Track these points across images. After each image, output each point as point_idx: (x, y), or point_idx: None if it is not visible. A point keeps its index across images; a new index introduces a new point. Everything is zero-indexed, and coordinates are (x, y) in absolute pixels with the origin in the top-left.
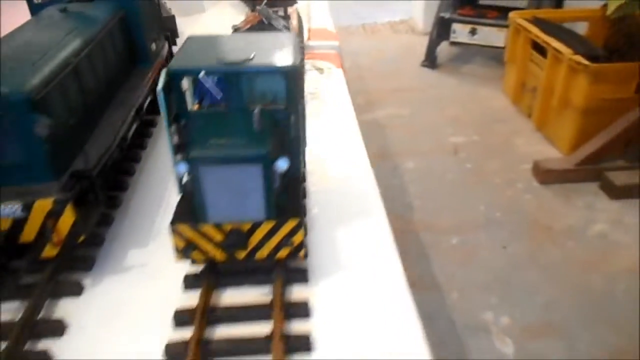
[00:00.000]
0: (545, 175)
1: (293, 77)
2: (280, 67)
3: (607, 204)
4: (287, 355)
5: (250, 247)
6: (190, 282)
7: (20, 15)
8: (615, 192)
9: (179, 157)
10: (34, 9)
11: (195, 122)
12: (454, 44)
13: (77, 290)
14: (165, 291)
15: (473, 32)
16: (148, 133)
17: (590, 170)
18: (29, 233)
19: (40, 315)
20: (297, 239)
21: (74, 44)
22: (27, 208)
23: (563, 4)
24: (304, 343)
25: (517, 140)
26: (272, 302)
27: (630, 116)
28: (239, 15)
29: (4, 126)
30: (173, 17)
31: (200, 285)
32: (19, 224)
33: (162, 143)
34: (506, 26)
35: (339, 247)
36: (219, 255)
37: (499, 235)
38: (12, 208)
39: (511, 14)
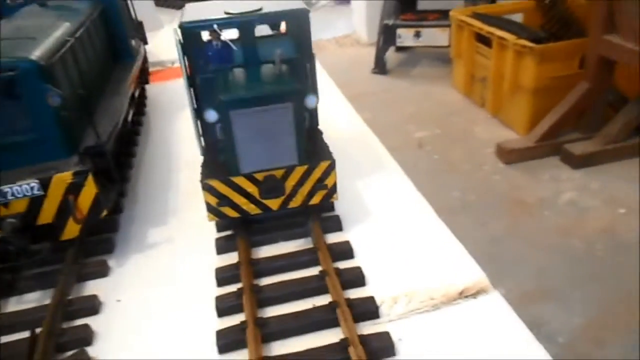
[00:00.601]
0: (509, 155)
1: (305, 21)
2: (293, 10)
3: (570, 173)
4: (344, 291)
5: (284, 195)
6: (222, 245)
7: None
8: (576, 162)
9: (207, 109)
10: (6, 11)
11: (216, 77)
12: (400, 49)
13: (104, 271)
14: (199, 259)
15: (417, 34)
16: (140, 122)
17: (549, 145)
18: (48, 213)
19: (71, 296)
20: (329, 181)
21: (66, 26)
22: (45, 185)
23: (496, 0)
24: (358, 277)
25: (476, 128)
26: (315, 247)
27: (579, 90)
28: None
29: (14, 99)
30: (142, 23)
31: (233, 248)
32: (36, 204)
33: (154, 130)
34: (447, 26)
35: (362, 195)
36: (252, 208)
37: (477, 215)
38: (28, 186)
39: (452, 12)
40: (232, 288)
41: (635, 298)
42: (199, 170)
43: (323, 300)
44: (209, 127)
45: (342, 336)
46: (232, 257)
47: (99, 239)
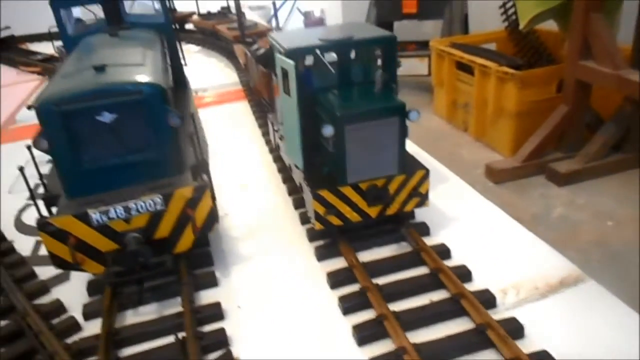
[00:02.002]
0: (499, 175)
1: (393, 46)
2: (383, 37)
3: (557, 190)
4: (456, 285)
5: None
6: (323, 252)
7: None
8: (561, 180)
9: (325, 125)
10: (69, 41)
11: (324, 95)
12: None
13: (214, 281)
14: (301, 266)
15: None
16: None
17: (535, 164)
18: (166, 227)
19: (196, 305)
20: (423, 189)
21: (154, 54)
22: (167, 200)
23: (469, 31)
24: (465, 273)
25: (462, 151)
26: (415, 249)
27: (558, 113)
28: (212, 64)
29: (138, 120)
30: None
31: (334, 254)
32: (156, 219)
33: (214, 153)
34: (426, 55)
35: (442, 206)
36: (354, 216)
37: None
38: (152, 201)
39: (432, 42)
40: (348, 289)
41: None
42: (269, 188)
43: (439, 295)
44: (318, 142)
45: (471, 324)
46: (335, 263)
47: (198, 252)
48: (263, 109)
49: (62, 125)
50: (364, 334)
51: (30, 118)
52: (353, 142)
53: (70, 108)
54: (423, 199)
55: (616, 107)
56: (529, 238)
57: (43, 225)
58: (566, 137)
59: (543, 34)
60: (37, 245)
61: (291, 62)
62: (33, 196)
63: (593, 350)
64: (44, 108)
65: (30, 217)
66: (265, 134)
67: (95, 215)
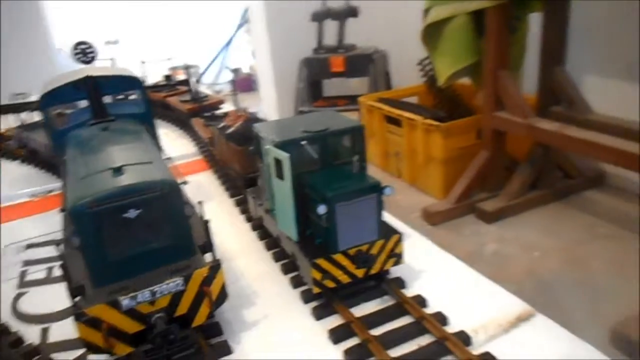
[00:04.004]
0: (434, 217)
1: (361, 132)
2: (353, 127)
3: (486, 227)
4: (439, 330)
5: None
6: (319, 312)
7: None
8: (489, 218)
9: (319, 204)
10: (57, 135)
11: (313, 178)
12: None
13: (228, 349)
14: (303, 327)
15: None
16: None
17: (466, 205)
18: (185, 305)
19: None
20: (399, 249)
21: (151, 148)
22: (187, 280)
23: (391, 87)
24: (443, 319)
25: (398, 196)
26: (398, 301)
27: (480, 158)
28: (168, 135)
29: (157, 213)
30: None
31: (328, 313)
32: (176, 299)
33: None
34: (356, 110)
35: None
36: (344, 278)
37: None
38: (176, 282)
39: (360, 99)
40: (349, 343)
41: None
42: (250, 257)
43: (426, 339)
44: (306, 216)
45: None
46: (332, 320)
47: (208, 323)
48: (230, 179)
49: (92, 224)
50: None
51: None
52: (341, 217)
53: (101, 209)
54: (399, 258)
55: (528, 151)
56: (479, 279)
57: (79, 316)
58: (489, 179)
59: (458, 87)
60: (44, 332)
61: (286, 154)
62: (72, 293)
63: None
64: (76, 211)
65: (27, 305)
66: (240, 203)
67: (125, 301)
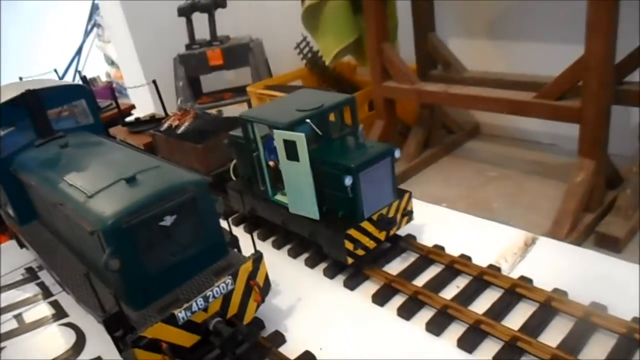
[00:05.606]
0: None
1: (354, 103)
2: (349, 98)
3: None
4: (473, 267)
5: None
6: (351, 284)
7: None
8: None
9: (345, 176)
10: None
11: (321, 154)
12: None
13: (283, 339)
14: (343, 299)
15: (220, 113)
16: None
17: None
18: (235, 304)
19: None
20: (410, 206)
21: (141, 154)
22: (235, 277)
23: (272, 74)
24: (469, 257)
25: None
26: (421, 254)
27: (377, 127)
28: None
29: (191, 215)
30: None
31: (360, 282)
32: (226, 300)
33: None
34: (245, 100)
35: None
36: (371, 244)
37: None
38: (225, 283)
39: (249, 88)
40: (395, 303)
41: None
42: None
43: (462, 280)
44: (328, 193)
45: (501, 290)
46: (365, 287)
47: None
48: None
49: (130, 240)
50: (434, 327)
51: None
52: (365, 185)
53: (137, 221)
54: (410, 215)
55: (416, 114)
56: (473, 219)
57: (137, 341)
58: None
59: (338, 65)
60: None
61: (300, 134)
62: (116, 341)
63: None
64: (109, 229)
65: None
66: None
67: (180, 313)
